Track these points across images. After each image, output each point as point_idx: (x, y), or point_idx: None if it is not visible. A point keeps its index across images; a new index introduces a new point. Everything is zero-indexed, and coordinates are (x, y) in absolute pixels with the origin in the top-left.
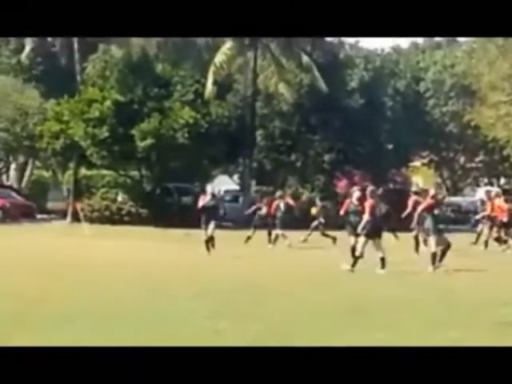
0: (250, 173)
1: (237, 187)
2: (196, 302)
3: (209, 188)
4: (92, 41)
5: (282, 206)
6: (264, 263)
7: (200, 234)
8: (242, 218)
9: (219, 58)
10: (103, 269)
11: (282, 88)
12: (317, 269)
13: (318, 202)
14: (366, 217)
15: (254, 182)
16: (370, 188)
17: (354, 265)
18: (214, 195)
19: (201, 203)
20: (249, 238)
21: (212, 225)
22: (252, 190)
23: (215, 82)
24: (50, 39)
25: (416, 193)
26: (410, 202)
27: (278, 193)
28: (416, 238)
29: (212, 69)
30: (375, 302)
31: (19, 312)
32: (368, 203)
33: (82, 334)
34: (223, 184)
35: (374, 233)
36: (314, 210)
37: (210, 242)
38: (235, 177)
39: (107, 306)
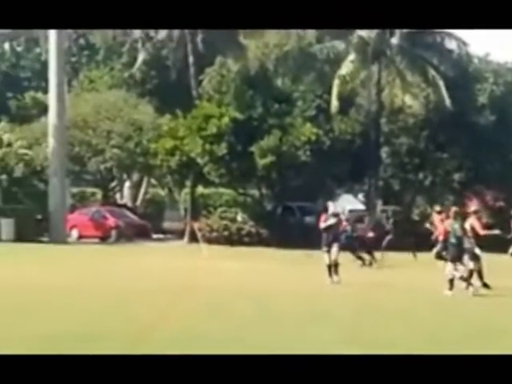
0: (375, 192)
1: (362, 207)
2: (319, 327)
3: (331, 206)
4: (208, 54)
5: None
6: (385, 286)
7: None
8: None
9: (343, 70)
10: (222, 292)
11: (409, 100)
12: (437, 291)
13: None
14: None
15: (380, 202)
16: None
17: (451, 288)
18: (336, 214)
19: (322, 224)
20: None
21: (335, 248)
22: (378, 210)
23: (339, 97)
24: (164, 52)
25: (439, 212)
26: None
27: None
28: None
29: (336, 82)
30: (503, 326)
31: (134, 337)
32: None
33: None
34: (348, 203)
35: (457, 256)
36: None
37: (333, 267)
38: (360, 196)
39: (226, 331)
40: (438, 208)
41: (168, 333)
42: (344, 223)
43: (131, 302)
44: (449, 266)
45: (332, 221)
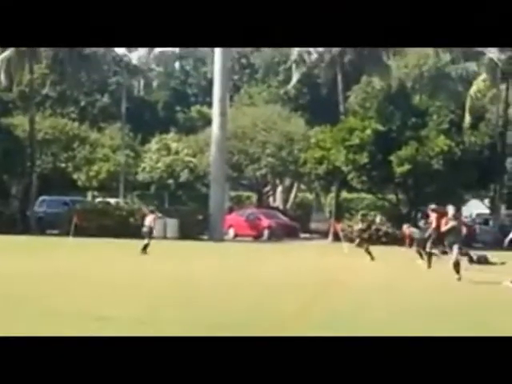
0: (500, 198)
1: (487, 211)
2: (449, 323)
3: (450, 209)
4: (355, 73)
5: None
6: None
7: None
8: (492, 239)
9: (475, 88)
10: (361, 286)
11: None
12: None
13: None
14: None
15: (503, 206)
16: None
17: None
18: (455, 216)
19: (443, 227)
20: None
21: (455, 249)
22: (502, 214)
23: (470, 112)
24: (316, 72)
25: (433, 210)
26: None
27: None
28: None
29: (468, 99)
30: None
31: (279, 326)
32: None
33: None
34: (475, 208)
35: None
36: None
37: (454, 267)
38: (486, 201)
39: (363, 324)
40: (433, 206)
41: (309, 325)
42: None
43: (280, 295)
44: None
45: (452, 223)
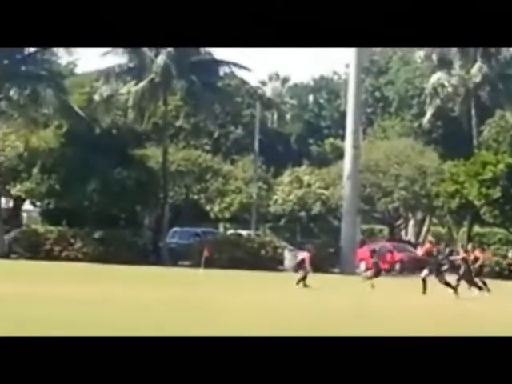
0: None
1: None
2: None
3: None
4: (490, 107)
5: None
6: None
7: None
8: None
9: None
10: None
11: None
12: None
13: None
14: None
15: None
16: None
17: None
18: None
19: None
20: None
21: None
22: None
23: None
24: (450, 105)
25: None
26: None
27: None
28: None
29: None
30: None
31: None
32: None
33: None
34: None
35: None
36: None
37: None
38: None
39: None
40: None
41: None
42: None
43: (412, 327)
44: None
45: None
